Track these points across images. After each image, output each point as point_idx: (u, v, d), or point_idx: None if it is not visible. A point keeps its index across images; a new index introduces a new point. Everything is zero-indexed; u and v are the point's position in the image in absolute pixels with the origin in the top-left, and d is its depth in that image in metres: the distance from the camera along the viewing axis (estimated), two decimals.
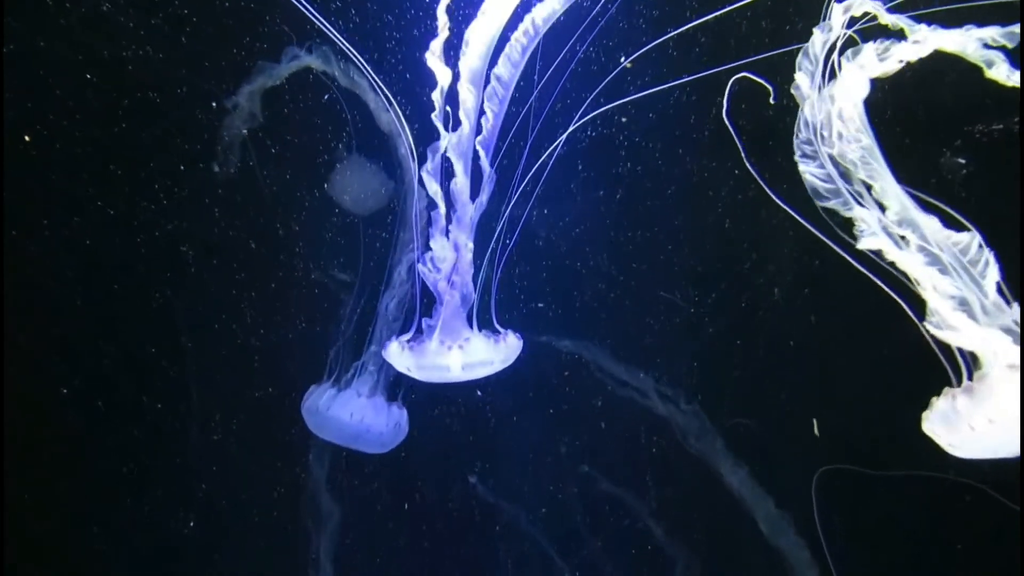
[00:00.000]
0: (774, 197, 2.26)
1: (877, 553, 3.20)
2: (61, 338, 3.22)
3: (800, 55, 2.06)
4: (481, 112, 2.30)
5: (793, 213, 2.18)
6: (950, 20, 1.95)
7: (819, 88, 2.05)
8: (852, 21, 2.03)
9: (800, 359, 3.16)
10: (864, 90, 2.01)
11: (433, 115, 2.25)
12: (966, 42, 1.86)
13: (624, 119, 2.93)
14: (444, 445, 3.42)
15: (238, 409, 3.33)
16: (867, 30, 2.05)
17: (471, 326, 2.51)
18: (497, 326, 2.55)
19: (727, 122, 2.39)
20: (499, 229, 2.56)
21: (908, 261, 1.96)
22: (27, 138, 2.88)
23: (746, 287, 3.14)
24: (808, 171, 2.06)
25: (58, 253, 3.08)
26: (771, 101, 2.27)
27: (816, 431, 3.07)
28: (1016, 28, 1.82)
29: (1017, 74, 1.83)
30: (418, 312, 2.55)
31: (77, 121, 2.92)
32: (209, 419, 3.32)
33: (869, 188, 2.03)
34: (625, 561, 3.49)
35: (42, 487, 3.29)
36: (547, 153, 2.54)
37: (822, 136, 2.04)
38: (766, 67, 2.34)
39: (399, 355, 2.51)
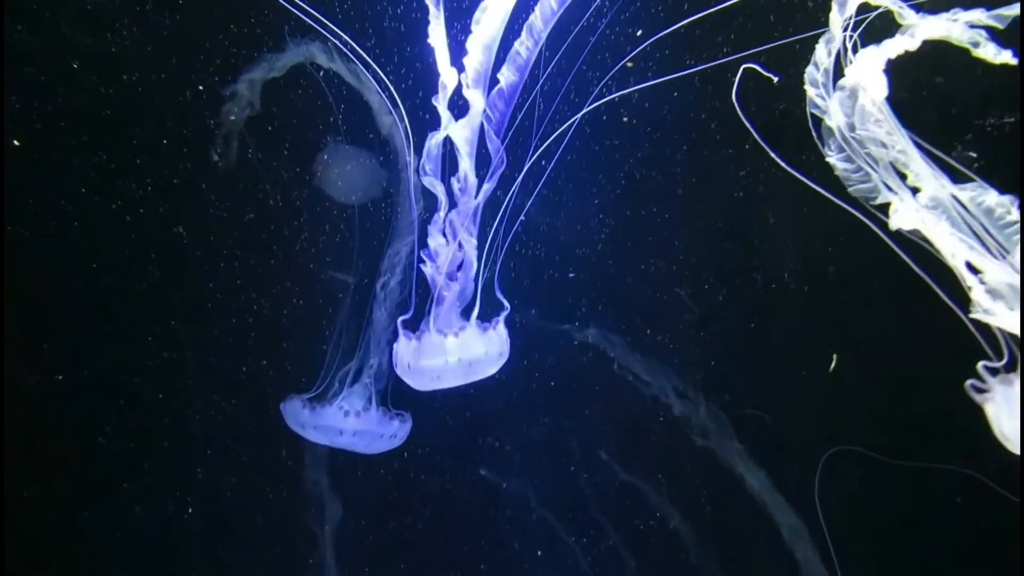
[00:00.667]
0: (798, 175, 2.30)
1: (879, 545, 3.26)
2: (56, 325, 3.28)
3: (808, 67, 2.13)
4: (491, 88, 2.28)
5: (821, 190, 2.22)
6: (938, 6, 2.03)
7: (833, 92, 2.11)
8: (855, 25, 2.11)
9: (814, 348, 3.21)
10: (883, 89, 2.06)
11: (435, 99, 2.25)
12: (951, 26, 1.92)
13: (636, 106, 2.98)
14: (450, 437, 3.49)
15: (236, 391, 3.39)
16: (866, 33, 2.13)
17: (470, 321, 2.54)
18: (500, 318, 2.59)
19: (736, 105, 2.45)
20: (499, 218, 2.59)
21: (951, 248, 1.98)
22: (16, 142, 2.96)
23: (759, 275, 3.21)
24: (844, 173, 2.13)
25: (50, 241, 3.14)
26: (775, 83, 2.36)
27: (832, 368, 3.13)
28: (1004, 11, 1.90)
29: (1005, 53, 1.89)
30: (413, 307, 2.60)
31: (65, 109, 2.99)
32: (206, 402, 3.38)
33: (904, 177, 2.08)
34: (639, 548, 3.54)
35: (39, 477, 3.34)
36: (554, 135, 2.57)
37: (851, 135, 2.08)
38: (786, 48, 2.42)
39: (399, 348, 2.56)
